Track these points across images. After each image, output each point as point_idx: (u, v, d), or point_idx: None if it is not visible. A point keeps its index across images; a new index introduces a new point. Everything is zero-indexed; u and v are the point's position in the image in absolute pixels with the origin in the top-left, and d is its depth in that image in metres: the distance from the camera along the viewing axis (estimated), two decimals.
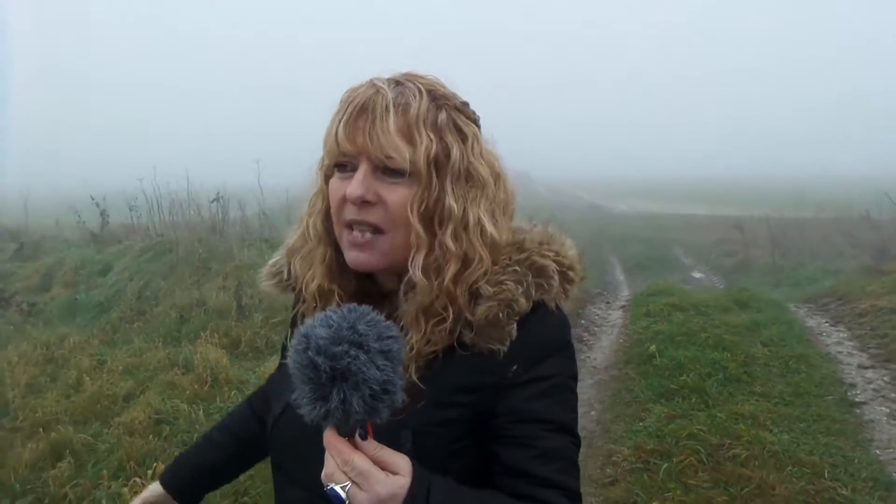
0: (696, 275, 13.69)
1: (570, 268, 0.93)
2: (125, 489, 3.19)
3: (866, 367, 5.31)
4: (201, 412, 4.05)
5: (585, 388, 5.04)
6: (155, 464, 3.36)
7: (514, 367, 0.86)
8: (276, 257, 1.06)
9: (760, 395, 4.55)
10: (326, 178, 0.92)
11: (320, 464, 0.76)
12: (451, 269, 0.85)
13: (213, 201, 10.23)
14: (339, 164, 0.88)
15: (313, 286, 0.93)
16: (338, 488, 0.72)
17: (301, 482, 0.92)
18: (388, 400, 0.71)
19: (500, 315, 0.85)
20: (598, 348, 6.06)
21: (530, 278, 0.88)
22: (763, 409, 4.29)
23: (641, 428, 4.09)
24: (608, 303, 7.99)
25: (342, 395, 0.68)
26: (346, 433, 0.73)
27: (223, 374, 4.60)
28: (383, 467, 0.74)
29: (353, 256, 0.89)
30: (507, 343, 0.85)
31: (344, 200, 0.87)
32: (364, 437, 0.74)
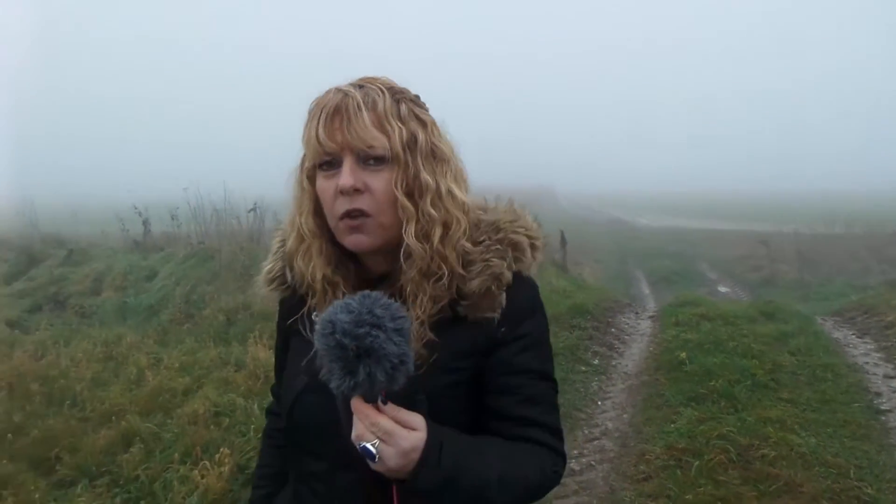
0: (722, 289, 13.74)
1: (537, 238, 1.08)
2: (194, 472, 3.46)
3: (892, 377, 5.41)
4: (255, 406, 4.31)
5: (617, 392, 5.24)
6: (220, 451, 3.62)
7: (502, 329, 1.00)
8: (269, 264, 1.15)
9: (788, 402, 4.70)
10: (310, 179, 1.03)
11: (338, 438, 0.91)
12: (437, 233, 0.98)
13: (249, 211, 10.60)
14: (323, 163, 0.98)
15: (319, 278, 1.03)
16: (368, 445, 0.85)
17: (323, 455, 1.03)
18: (404, 370, 0.83)
19: (492, 287, 0.99)
20: (629, 355, 6.25)
21: (510, 254, 1.02)
22: (791, 414, 4.43)
23: (673, 429, 4.27)
24: (637, 313, 8.15)
25: (368, 369, 0.81)
26: (371, 400, 0.85)
27: (273, 372, 4.87)
28: (403, 425, 0.87)
29: (352, 240, 0.99)
30: (499, 311, 0.99)
31: (335, 195, 0.97)
32: (385, 403, 0.86)
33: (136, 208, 10.64)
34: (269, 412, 1.36)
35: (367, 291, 0.87)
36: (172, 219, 10.84)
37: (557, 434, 1.05)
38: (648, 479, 3.71)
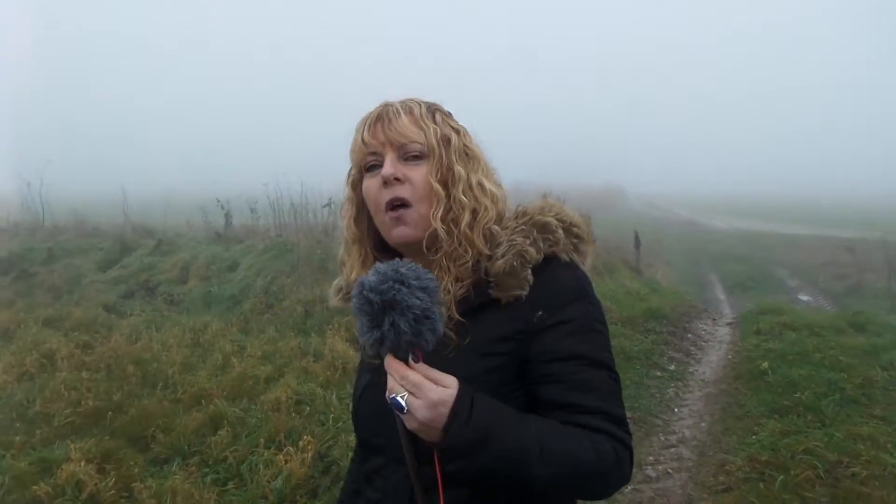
0: (803, 297, 13.13)
1: (574, 224, 1.08)
2: (278, 457, 3.62)
3: None
4: (334, 396, 4.45)
5: (694, 400, 5.12)
6: (303, 437, 3.77)
7: (539, 313, 0.99)
8: (337, 279, 1.20)
9: (880, 419, 4.46)
10: (354, 186, 1.13)
11: (394, 431, 0.94)
12: (466, 218, 1.04)
13: (324, 206, 10.89)
14: (369, 166, 1.08)
15: (353, 276, 1.11)
16: (398, 397, 0.88)
17: (380, 449, 1.07)
18: (429, 324, 0.87)
19: (515, 264, 0.99)
20: (706, 362, 6.09)
21: (535, 233, 1.03)
22: (883, 432, 4.21)
23: (755, 441, 4.14)
24: (714, 319, 7.92)
25: (391, 320, 0.86)
26: (402, 357, 0.89)
27: (350, 364, 5.01)
28: (434, 382, 0.89)
29: (396, 232, 1.06)
30: (527, 288, 0.99)
31: (380, 189, 1.05)
32: (416, 361, 0.90)
33: (218, 201, 11.11)
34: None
35: (397, 259, 0.92)
36: (252, 212, 11.29)
37: (618, 422, 0.97)
38: (729, 491, 3.62)
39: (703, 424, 4.61)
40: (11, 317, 6.67)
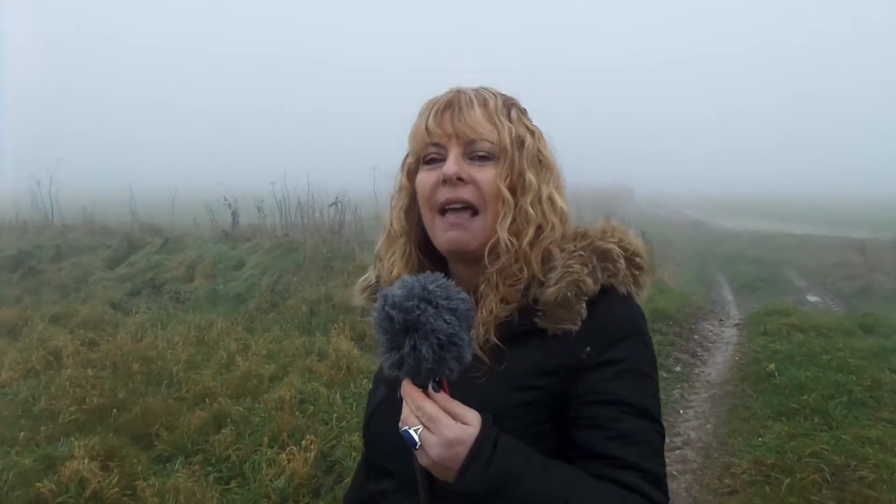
0: (812, 298, 13.02)
1: (636, 253, 0.97)
2: (281, 456, 3.61)
3: None
4: (338, 395, 4.45)
5: (700, 402, 5.08)
6: (306, 437, 3.76)
7: (588, 349, 0.89)
8: (367, 274, 1.12)
9: (888, 422, 4.41)
10: (410, 175, 1.01)
11: (406, 456, 0.83)
12: (530, 233, 0.94)
13: (331, 205, 10.93)
14: (428, 158, 0.97)
15: (395, 273, 1.00)
16: (411, 431, 0.79)
17: (393, 473, 0.97)
18: (454, 351, 0.77)
19: (569, 294, 0.89)
20: (712, 364, 6.04)
21: (595, 261, 0.92)
22: (891, 435, 4.15)
23: (761, 443, 4.10)
24: (721, 320, 7.87)
25: (413, 343, 0.76)
26: (421, 384, 0.80)
27: (355, 364, 5.02)
28: (454, 417, 0.79)
29: (448, 237, 0.96)
30: (579, 322, 0.89)
31: (436, 186, 0.95)
32: (437, 391, 0.80)
33: (225, 200, 11.16)
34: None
35: (427, 272, 0.83)
36: (259, 211, 11.32)
37: (656, 482, 0.86)
38: (734, 494, 3.59)
39: (708, 426, 4.58)
40: (19, 314, 6.72)
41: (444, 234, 0.96)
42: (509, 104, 0.99)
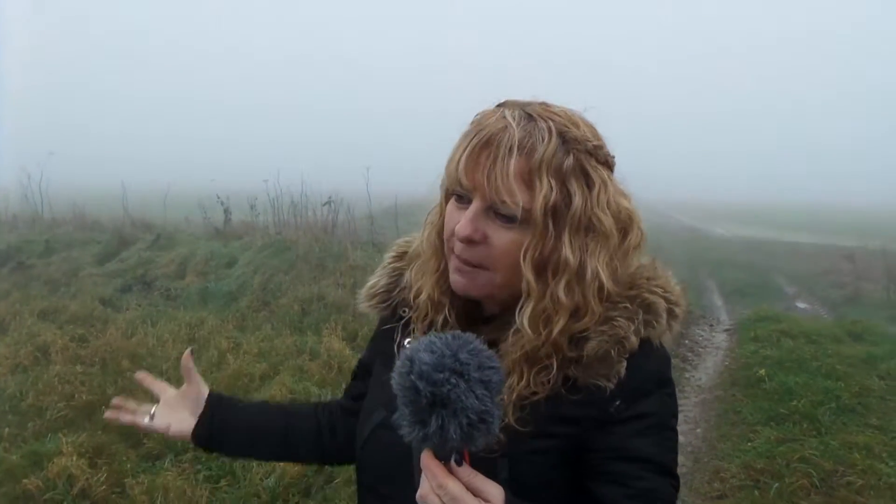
0: (801, 304, 13.09)
1: (677, 304, 0.90)
2: None
3: None
4: (330, 395, 4.44)
5: (690, 406, 5.10)
6: None
7: (617, 403, 0.84)
8: (375, 278, 1.07)
9: (876, 428, 4.46)
10: (447, 196, 0.92)
11: (409, 485, 0.79)
12: (561, 322, 0.84)
13: (324, 204, 10.91)
14: (457, 194, 0.88)
15: (424, 296, 0.95)
16: None
17: (389, 499, 0.93)
18: (484, 429, 0.71)
19: (612, 352, 0.83)
20: (703, 368, 6.08)
21: (640, 316, 0.86)
22: (879, 441, 4.21)
23: (750, 448, 4.13)
24: (711, 325, 7.91)
25: (440, 422, 0.69)
26: (443, 457, 0.74)
27: (346, 364, 5.00)
28: (475, 493, 0.74)
29: (454, 280, 0.89)
30: (615, 381, 0.83)
31: (454, 231, 0.87)
32: (459, 463, 0.75)
33: (218, 197, 11.11)
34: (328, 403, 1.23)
35: (458, 332, 0.75)
36: (251, 209, 11.28)
37: None
38: (723, 498, 3.62)
39: (698, 431, 4.60)
40: (7, 308, 6.64)
41: (452, 274, 0.90)
42: (570, 148, 0.83)
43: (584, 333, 0.85)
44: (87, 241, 10.63)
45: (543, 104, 0.87)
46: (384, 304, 1.04)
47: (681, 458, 4.13)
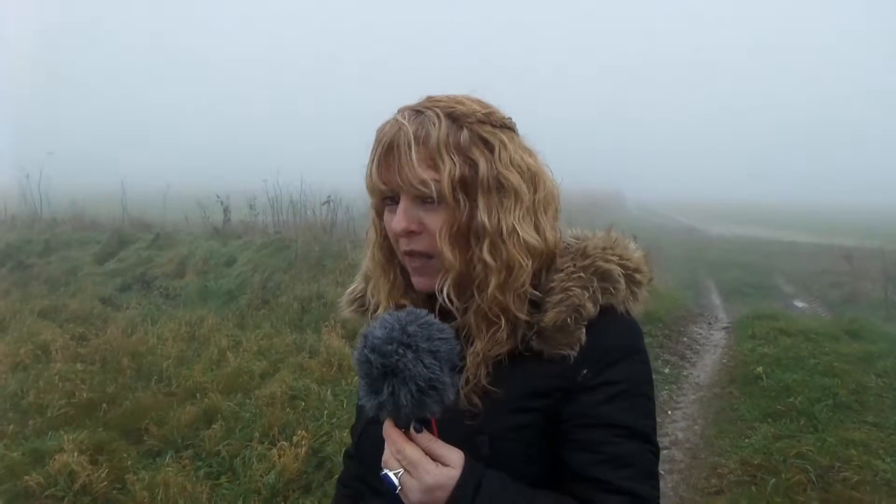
0: (799, 304, 13.13)
1: (636, 270, 0.92)
2: (272, 451, 3.62)
3: None
4: (329, 392, 4.46)
5: (688, 404, 5.13)
6: (297, 433, 3.76)
7: (584, 371, 0.86)
8: (354, 284, 1.09)
9: (873, 425, 4.48)
10: (378, 212, 0.96)
11: None
12: (494, 281, 0.87)
13: (323, 203, 10.93)
14: (387, 197, 0.91)
15: (383, 305, 0.98)
16: (391, 474, 0.79)
17: (380, 492, 0.92)
18: (435, 396, 0.76)
19: (569, 320, 0.86)
20: (701, 366, 6.11)
21: (595, 283, 0.88)
22: (875, 438, 4.23)
23: (747, 444, 4.15)
24: (710, 324, 7.95)
25: (391, 389, 0.75)
26: (402, 425, 0.79)
27: (346, 361, 5.01)
28: (435, 459, 0.78)
29: (416, 282, 0.93)
30: (577, 348, 0.86)
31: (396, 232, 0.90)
32: (419, 431, 0.79)
33: (217, 197, 11.13)
34: (347, 456, 1.20)
35: (411, 308, 0.82)
36: (251, 208, 11.31)
37: None
38: (720, 494, 3.63)
39: (696, 427, 4.63)
40: (7, 307, 6.67)
41: (412, 276, 0.94)
42: (461, 124, 0.88)
43: (538, 298, 0.89)
44: (86, 241, 10.65)
45: (429, 97, 0.91)
46: (364, 308, 1.06)
47: (679, 455, 4.16)
